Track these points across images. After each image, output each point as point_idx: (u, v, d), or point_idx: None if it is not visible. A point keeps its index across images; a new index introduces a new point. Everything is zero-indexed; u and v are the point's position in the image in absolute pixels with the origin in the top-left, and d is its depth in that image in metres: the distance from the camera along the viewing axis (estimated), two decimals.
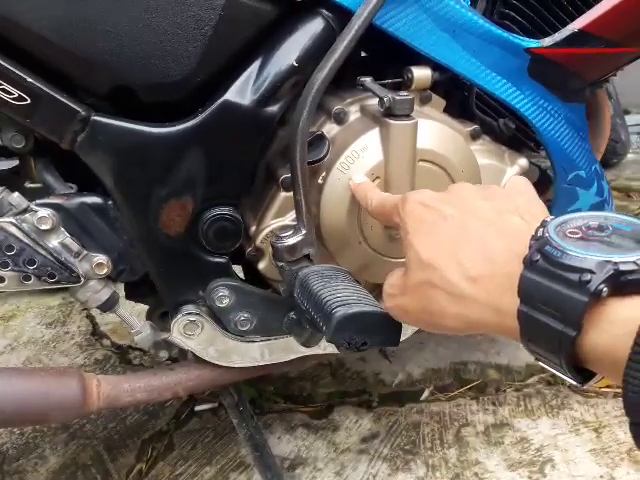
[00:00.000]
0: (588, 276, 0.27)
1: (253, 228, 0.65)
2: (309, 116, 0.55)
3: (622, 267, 0.27)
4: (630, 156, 2.09)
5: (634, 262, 0.27)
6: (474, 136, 0.67)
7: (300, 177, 0.57)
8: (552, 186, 0.76)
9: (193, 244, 0.62)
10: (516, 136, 0.72)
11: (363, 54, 0.72)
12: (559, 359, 0.29)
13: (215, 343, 0.66)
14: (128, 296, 0.73)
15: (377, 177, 0.59)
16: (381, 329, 0.48)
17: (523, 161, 0.69)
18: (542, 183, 0.79)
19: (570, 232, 0.30)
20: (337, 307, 0.47)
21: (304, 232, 0.58)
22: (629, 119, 2.17)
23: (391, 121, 0.56)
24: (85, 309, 1.45)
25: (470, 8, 0.61)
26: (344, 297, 0.49)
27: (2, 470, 0.96)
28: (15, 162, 0.70)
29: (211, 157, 0.58)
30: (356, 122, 0.62)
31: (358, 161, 0.59)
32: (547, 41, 0.63)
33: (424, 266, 0.37)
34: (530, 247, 0.31)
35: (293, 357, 0.69)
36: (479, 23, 0.61)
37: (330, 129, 0.62)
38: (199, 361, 0.68)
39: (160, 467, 0.94)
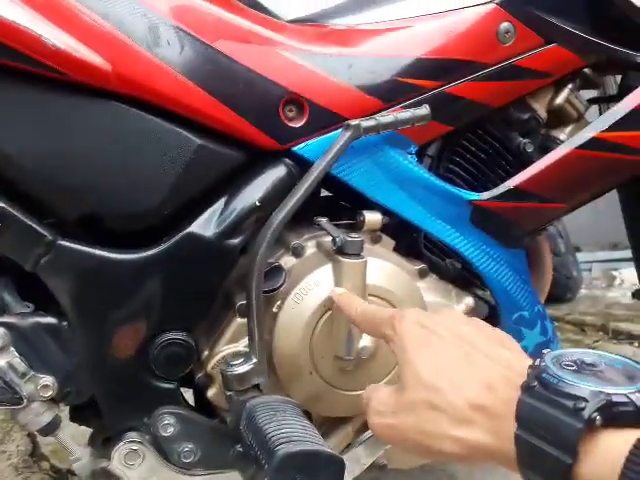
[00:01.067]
0: (582, 404, 0.29)
1: (205, 353, 0.66)
2: (267, 249, 0.59)
3: (614, 398, 0.29)
4: (583, 291, 2.19)
5: (625, 395, 0.29)
6: (422, 274, 0.71)
7: (255, 304, 0.59)
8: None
9: (142, 368, 0.61)
10: (463, 275, 0.77)
11: (324, 193, 0.79)
12: None
13: (156, 475, 0.63)
14: (72, 418, 0.70)
15: (328, 309, 0.62)
16: (325, 469, 0.47)
17: (469, 299, 0.74)
18: (492, 318, 0.83)
19: (565, 364, 0.33)
20: (281, 444, 0.47)
21: (255, 361, 0.59)
22: (580, 256, 2.32)
23: (343, 259, 0.61)
24: None
25: (416, 163, 0.68)
26: (288, 433, 0.49)
27: None
28: None
29: (170, 285, 0.60)
30: (312, 256, 0.66)
31: (311, 293, 0.62)
32: (486, 195, 0.71)
33: (425, 386, 0.38)
34: (528, 375, 0.33)
35: None
36: (424, 176, 0.68)
37: (287, 261, 0.66)
38: None
39: None
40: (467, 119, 0.72)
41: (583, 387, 0.30)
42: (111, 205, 0.58)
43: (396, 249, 0.71)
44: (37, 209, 0.57)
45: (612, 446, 0.28)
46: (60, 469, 1.19)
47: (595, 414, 0.28)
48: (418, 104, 0.66)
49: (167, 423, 0.62)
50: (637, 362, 0.33)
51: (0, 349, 0.54)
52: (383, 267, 0.65)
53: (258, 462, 0.49)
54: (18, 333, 0.56)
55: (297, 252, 0.66)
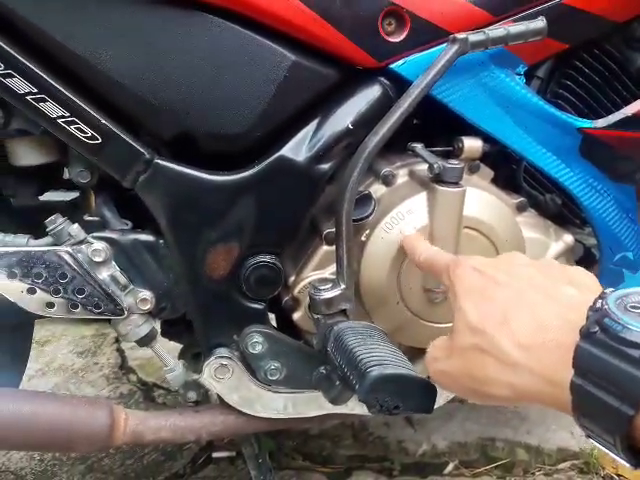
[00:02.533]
0: None
1: (292, 278, 0.66)
2: (359, 176, 0.57)
3: None
4: None
5: None
6: (520, 208, 0.67)
7: (345, 233, 0.58)
8: (596, 265, 0.74)
9: (234, 288, 0.63)
10: (562, 212, 0.72)
11: (415, 121, 0.74)
12: (613, 438, 0.28)
13: (242, 389, 0.65)
14: (163, 333, 0.74)
15: None
16: (416, 395, 0.47)
17: (568, 237, 0.69)
18: (586, 261, 0.78)
19: (631, 306, 0.29)
20: (373, 366, 0.47)
21: (343, 287, 0.59)
22: None
23: (439, 187, 0.58)
24: (116, 342, 1.47)
25: (524, 85, 0.62)
26: (380, 357, 0.49)
27: None
28: (73, 195, 0.74)
29: (261, 207, 0.60)
30: (403, 185, 0.63)
31: (402, 222, 0.60)
32: (600, 122, 0.64)
33: (473, 330, 0.36)
34: (588, 318, 0.30)
35: (317, 414, 0.68)
36: (532, 100, 0.62)
37: (377, 190, 0.64)
38: (224, 407, 0.68)
39: None
40: (585, 36, 0.64)
41: None
42: (205, 124, 0.57)
43: (494, 181, 0.66)
44: (137, 128, 0.57)
45: None
46: (147, 382, 1.29)
47: None
48: (531, 17, 0.59)
49: (256, 341, 0.64)
50: None
51: (103, 262, 0.57)
52: (481, 198, 0.61)
53: (348, 383, 0.50)
54: (119, 248, 0.58)
55: (387, 180, 0.64)
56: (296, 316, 0.66)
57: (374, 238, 0.61)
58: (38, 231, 0.60)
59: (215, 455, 1.04)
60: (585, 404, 0.29)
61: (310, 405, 0.68)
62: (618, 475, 0.98)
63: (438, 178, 0.57)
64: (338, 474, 0.99)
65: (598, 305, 0.30)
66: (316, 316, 0.59)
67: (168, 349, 0.89)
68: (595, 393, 0.28)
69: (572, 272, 0.37)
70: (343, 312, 0.60)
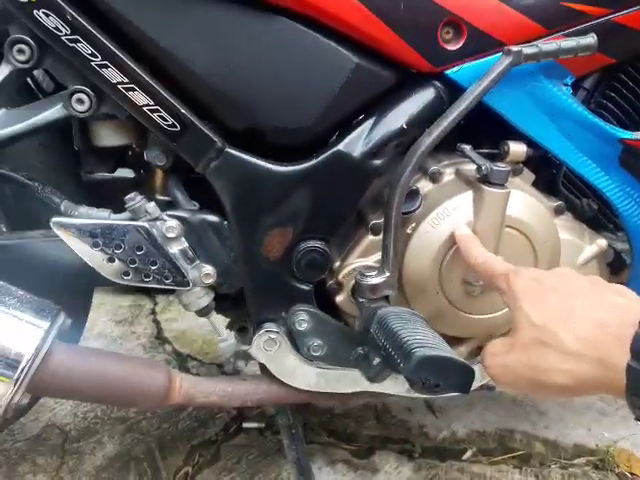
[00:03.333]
0: None
1: (337, 263, 0.71)
2: (411, 173, 0.61)
3: None
4: None
5: None
6: (558, 211, 0.71)
7: (393, 225, 0.63)
8: (626, 269, 0.78)
9: (285, 270, 0.68)
10: (597, 216, 0.75)
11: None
12: None
13: (286, 362, 0.71)
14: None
15: None
16: (455, 375, 0.52)
17: (602, 242, 0.73)
18: (615, 265, 0.81)
19: None
20: (417, 347, 0.52)
21: (388, 274, 0.64)
22: None
23: (486, 187, 0.62)
24: (152, 313, 1.55)
25: (571, 95, 0.66)
26: (423, 339, 0.54)
27: (63, 448, 1.04)
28: (132, 173, 0.80)
29: (317, 197, 0.65)
30: (450, 183, 0.68)
31: (448, 219, 0.64)
32: None
33: (535, 327, 0.41)
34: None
35: (352, 390, 0.73)
36: (577, 110, 0.66)
37: (424, 186, 0.68)
38: (268, 377, 0.74)
39: (205, 474, 0.99)
40: (632, 51, 0.67)
41: None
42: (272, 118, 0.63)
43: (535, 184, 0.70)
44: (212, 119, 0.63)
45: None
46: (181, 353, 1.36)
47: None
48: (582, 33, 0.63)
49: (302, 319, 0.69)
50: None
51: (175, 238, 0.63)
52: (523, 200, 0.65)
53: (391, 362, 0.55)
54: (188, 226, 0.64)
55: (435, 177, 0.68)
56: (339, 299, 0.72)
57: (420, 232, 0.65)
58: (104, 203, 0.66)
59: (245, 425, 1.10)
60: (638, 384, 0.33)
61: (347, 382, 0.73)
62: (632, 474, 1.01)
63: (485, 179, 0.62)
64: (361, 452, 1.05)
65: None
66: (361, 300, 0.65)
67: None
68: None
69: (618, 286, 0.43)
70: (386, 298, 0.65)
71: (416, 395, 0.72)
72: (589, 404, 1.21)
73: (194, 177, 0.67)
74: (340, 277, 0.70)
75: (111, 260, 0.60)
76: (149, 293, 1.65)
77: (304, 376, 0.72)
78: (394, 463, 1.02)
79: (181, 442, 1.06)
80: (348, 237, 0.72)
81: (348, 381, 0.73)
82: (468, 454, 1.05)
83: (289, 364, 0.71)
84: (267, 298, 0.70)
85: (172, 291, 0.68)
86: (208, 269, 0.65)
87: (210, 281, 0.65)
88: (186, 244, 0.64)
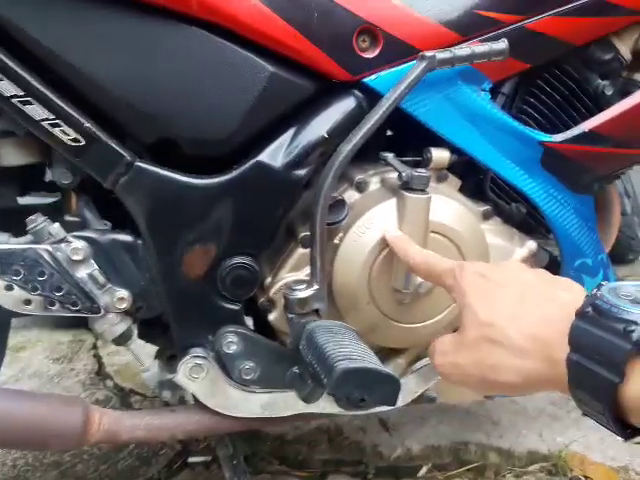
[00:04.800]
0: (632, 327, 0.30)
1: (268, 280, 0.68)
2: (333, 182, 0.60)
3: None
4: None
5: None
6: (486, 216, 0.71)
7: (318, 236, 0.61)
8: (559, 272, 0.78)
9: (210, 289, 0.65)
10: (527, 220, 0.75)
11: (389, 132, 0.78)
12: (603, 406, 0.31)
13: (216, 389, 0.67)
14: (140, 335, 0.75)
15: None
16: (380, 387, 0.49)
17: (532, 244, 0.73)
18: (551, 268, 0.82)
19: (623, 294, 0.34)
20: (340, 361, 0.50)
21: (316, 287, 0.61)
22: None
23: (407, 194, 0.61)
24: (94, 348, 1.47)
25: (489, 100, 0.66)
26: (348, 352, 0.51)
27: None
28: (53, 198, 0.75)
29: (239, 211, 0.62)
30: (375, 192, 0.66)
31: (373, 227, 0.63)
32: (559, 137, 0.68)
33: (483, 324, 0.40)
34: (584, 303, 0.34)
35: (289, 413, 0.70)
36: (497, 115, 0.66)
37: (351, 196, 0.67)
38: (199, 406, 0.69)
39: None
40: (545, 57, 0.69)
41: (635, 312, 0.31)
42: (186, 130, 0.60)
43: (461, 189, 0.70)
44: (119, 131, 0.59)
45: None
46: (123, 387, 1.29)
47: None
48: (496, 39, 0.64)
49: (230, 341, 0.66)
50: None
51: (81, 261, 0.59)
52: (448, 205, 0.65)
53: (317, 378, 0.52)
54: (97, 247, 0.60)
55: (361, 187, 0.67)
56: (272, 317, 0.68)
57: (347, 242, 0.64)
58: (18, 233, 0.61)
59: (191, 460, 1.04)
60: (578, 376, 0.33)
61: (283, 405, 0.69)
62: (585, 477, 1.01)
63: (406, 185, 0.61)
64: (313, 478, 1.00)
65: (593, 292, 0.35)
66: (290, 315, 0.62)
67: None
68: (586, 364, 0.32)
69: (564, 280, 0.42)
70: (316, 312, 0.62)
71: (352, 412, 0.69)
72: (541, 408, 1.21)
73: (111, 196, 0.63)
74: (272, 293, 0.67)
75: (9, 288, 0.55)
76: None
77: (237, 402, 0.68)
78: None
79: None
80: (279, 251, 0.69)
81: (284, 404, 0.69)
82: (423, 470, 1.02)
83: (220, 391, 0.67)
84: (191, 321, 0.66)
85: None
86: (122, 293, 0.61)
87: (124, 306, 0.61)
88: (95, 267, 0.59)
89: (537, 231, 0.79)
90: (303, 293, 0.61)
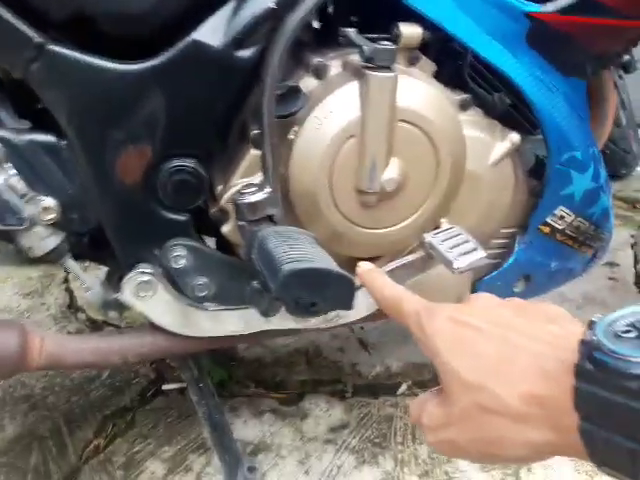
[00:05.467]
0: None
1: (220, 187, 0.61)
2: (281, 59, 0.51)
3: None
4: (639, 169, 2.03)
5: None
6: (464, 106, 0.62)
7: (267, 130, 0.52)
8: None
9: (151, 197, 0.57)
10: (511, 113, 0.67)
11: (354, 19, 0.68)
12: None
13: (169, 308, 0.61)
14: (86, 254, 0.69)
15: (352, 135, 0.54)
16: (332, 289, 0.43)
17: (515, 136, 0.65)
18: (538, 171, 0.74)
19: (622, 331, 0.27)
20: (287, 263, 0.43)
21: (268, 190, 0.54)
22: None
23: (370, 72, 0.52)
24: (65, 282, 1.41)
25: None
26: (297, 255, 0.45)
27: None
28: None
29: (174, 102, 0.54)
30: (336, 77, 0.57)
31: (333, 116, 0.54)
32: (550, 6, 0.59)
33: (470, 388, 0.32)
34: (580, 354, 0.27)
35: (247, 331, 0.64)
36: None
37: (308, 83, 0.58)
38: (152, 328, 0.64)
39: (118, 444, 0.90)
40: None
41: None
42: (99, 3, 0.50)
43: (437, 77, 0.61)
44: (25, 10, 0.49)
45: None
46: (95, 320, 1.24)
47: None
48: None
49: (178, 255, 0.59)
50: None
51: None
52: (419, 90, 0.56)
53: (266, 285, 0.46)
54: (13, 149, 0.52)
55: (319, 72, 0.58)
56: (225, 229, 0.61)
57: (303, 135, 0.55)
58: None
59: (165, 387, 1.01)
60: (598, 449, 0.26)
61: (241, 321, 0.64)
62: None
63: (369, 62, 0.52)
64: (290, 399, 0.98)
65: (588, 337, 0.27)
66: (241, 223, 0.55)
67: None
68: (605, 436, 0.26)
69: (545, 308, 0.34)
70: (270, 219, 0.55)
71: (315, 326, 0.64)
72: None
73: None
74: (223, 202, 0.60)
75: None
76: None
77: (192, 321, 0.62)
78: (324, 406, 0.96)
79: (92, 414, 0.96)
80: (233, 156, 0.61)
81: (242, 321, 0.64)
82: (403, 388, 1.00)
83: (172, 310, 0.61)
84: (133, 234, 0.59)
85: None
86: (47, 202, 0.53)
87: (52, 217, 0.53)
88: (13, 172, 0.51)
89: (522, 126, 0.71)
90: (254, 197, 0.54)
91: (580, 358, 0.27)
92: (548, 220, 0.71)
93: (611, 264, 1.45)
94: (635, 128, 1.95)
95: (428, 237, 0.51)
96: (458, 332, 0.34)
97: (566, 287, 1.36)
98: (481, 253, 0.49)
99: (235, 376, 1.03)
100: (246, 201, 0.53)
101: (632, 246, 1.52)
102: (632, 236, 1.56)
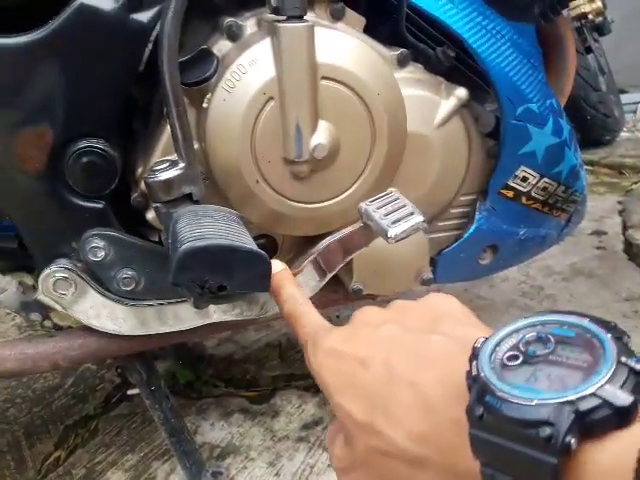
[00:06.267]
0: (547, 430, 0.22)
1: (140, 170, 0.55)
2: (175, 21, 0.45)
3: (583, 406, 0.21)
4: (624, 134, 1.97)
5: (594, 394, 0.21)
6: (401, 62, 0.56)
7: (171, 98, 0.47)
8: None
9: (60, 184, 0.52)
10: (457, 68, 0.61)
11: None
12: None
13: (95, 306, 0.56)
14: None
15: (270, 97, 0.49)
16: (243, 269, 0.38)
17: (461, 91, 0.59)
18: (496, 134, 0.69)
19: (508, 357, 0.24)
20: (189, 242, 0.38)
21: (182, 165, 0.48)
22: (624, 98, 2.06)
23: (280, 24, 0.46)
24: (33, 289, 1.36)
25: None
26: (203, 232, 0.39)
27: None
28: None
29: (69, 74, 0.48)
30: (250, 36, 0.52)
31: (245, 77, 0.49)
32: None
33: (364, 429, 0.29)
34: (469, 388, 0.25)
35: (188, 326, 0.59)
36: None
37: (222, 46, 0.52)
38: (84, 329, 0.59)
39: (78, 455, 0.85)
40: None
41: (541, 404, 0.22)
42: None
43: (371, 33, 0.55)
44: None
45: (601, 465, 0.21)
46: (62, 327, 1.19)
47: (568, 438, 0.21)
48: None
49: (96, 246, 0.54)
50: (588, 316, 0.24)
51: None
52: (343, 44, 0.50)
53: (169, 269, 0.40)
54: None
55: (232, 33, 0.52)
56: (149, 215, 0.56)
57: (216, 101, 0.50)
58: None
59: (130, 392, 0.96)
60: None
61: (178, 317, 0.59)
62: None
63: (278, 14, 0.46)
64: (261, 397, 0.93)
65: (474, 371, 0.25)
66: (155, 205, 0.49)
67: None
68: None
69: (431, 310, 0.32)
70: (189, 198, 0.49)
71: (263, 315, 0.58)
72: (510, 301, 1.13)
73: None
74: (143, 186, 0.54)
75: None
76: (32, 269, 1.46)
77: (123, 320, 0.57)
78: (296, 402, 0.91)
79: (54, 424, 0.91)
80: (153, 133, 0.56)
81: (180, 316, 0.58)
82: None
83: (99, 308, 0.56)
84: (43, 226, 0.53)
85: None
86: None
87: None
88: None
89: (474, 83, 0.65)
90: (165, 174, 0.48)
91: (471, 401, 0.24)
92: (510, 183, 0.65)
93: (598, 233, 1.39)
94: (616, 93, 1.90)
95: (364, 205, 0.46)
96: (341, 366, 0.31)
97: (552, 259, 1.32)
98: (418, 217, 0.43)
99: (203, 376, 0.98)
100: (157, 179, 0.48)
101: (620, 213, 1.46)
102: (619, 202, 1.50)
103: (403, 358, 0.29)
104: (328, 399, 0.32)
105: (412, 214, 0.44)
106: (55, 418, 0.92)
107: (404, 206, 0.45)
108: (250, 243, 0.40)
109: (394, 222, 0.44)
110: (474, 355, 0.25)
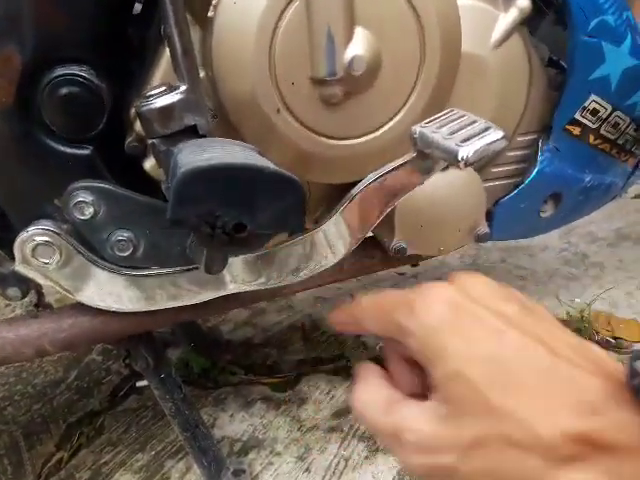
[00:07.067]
0: None
1: (135, 107, 0.45)
2: None
3: None
4: None
5: None
6: None
7: (169, 4, 0.36)
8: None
9: (33, 124, 0.42)
10: None
11: None
12: None
13: (86, 276, 0.46)
14: None
15: None
16: (269, 199, 0.27)
17: (523, 2, 0.48)
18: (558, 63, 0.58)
19: None
20: (190, 165, 0.27)
21: (184, 88, 0.38)
22: None
23: None
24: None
25: None
26: (213, 156, 0.29)
27: None
28: None
29: None
30: None
31: None
32: None
33: (493, 412, 0.24)
34: (634, 389, 0.22)
35: (198, 300, 0.49)
36: None
37: None
38: (74, 307, 0.49)
39: (83, 455, 0.76)
40: None
41: None
42: None
43: None
44: None
45: None
46: (51, 306, 1.10)
47: None
48: None
49: (82, 201, 0.43)
50: None
51: None
52: None
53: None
54: None
55: None
56: (148, 164, 0.46)
57: (224, 5, 0.39)
58: None
59: (139, 384, 0.87)
60: None
61: (189, 289, 0.48)
62: (615, 338, 0.84)
63: None
64: (285, 383, 0.83)
65: (634, 365, 0.22)
66: (151, 141, 0.39)
67: None
68: None
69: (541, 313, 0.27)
70: (192, 131, 0.39)
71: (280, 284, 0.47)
72: (553, 270, 1.02)
73: None
74: (139, 127, 0.44)
75: None
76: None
77: (120, 293, 0.47)
78: (325, 388, 0.81)
79: (55, 423, 0.82)
80: (150, 62, 0.45)
81: (180, 288, 0.48)
82: None
83: (91, 279, 0.46)
84: (19, 179, 0.43)
85: None
86: None
87: None
88: None
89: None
90: (163, 99, 0.37)
91: (636, 393, 0.22)
92: (577, 117, 0.54)
93: None
94: None
95: (418, 128, 0.35)
96: (464, 322, 0.25)
97: (594, 225, 1.21)
98: (496, 133, 0.33)
99: (220, 363, 0.88)
100: (152, 106, 0.37)
101: None
102: None
103: (560, 350, 0.24)
104: (430, 356, 0.25)
105: (487, 129, 0.33)
106: (57, 415, 0.83)
107: (474, 122, 0.34)
108: (276, 165, 0.29)
109: (463, 141, 0.33)
110: (634, 353, 0.23)
